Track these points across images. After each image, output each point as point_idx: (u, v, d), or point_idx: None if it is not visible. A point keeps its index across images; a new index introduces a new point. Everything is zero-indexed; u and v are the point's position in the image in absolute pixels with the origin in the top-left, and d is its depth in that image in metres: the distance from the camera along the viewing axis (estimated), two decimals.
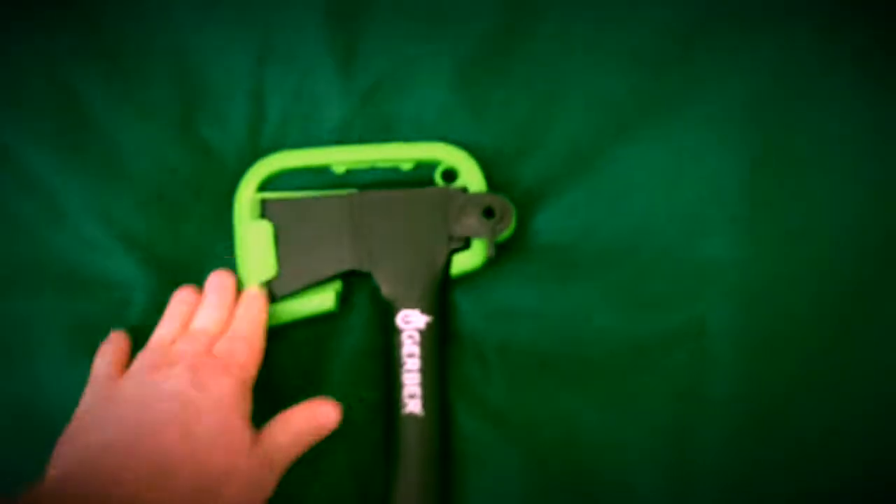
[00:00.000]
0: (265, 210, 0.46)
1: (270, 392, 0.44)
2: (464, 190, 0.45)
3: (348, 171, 0.46)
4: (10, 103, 0.48)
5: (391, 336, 0.44)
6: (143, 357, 0.41)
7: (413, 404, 0.43)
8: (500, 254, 0.45)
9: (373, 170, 0.47)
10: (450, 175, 0.47)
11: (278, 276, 0.45)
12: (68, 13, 0.50)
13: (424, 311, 0.44)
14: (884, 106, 0.47)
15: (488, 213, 0.44)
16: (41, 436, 0.41)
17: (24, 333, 0.45)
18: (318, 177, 0.47)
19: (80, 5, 0.50)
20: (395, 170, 0.47)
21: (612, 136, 0.48)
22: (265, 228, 0.45)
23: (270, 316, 0.44)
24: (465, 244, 0.45)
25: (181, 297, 0.44)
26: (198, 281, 0.45)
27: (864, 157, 0.47)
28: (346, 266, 0.45)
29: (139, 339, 0.44)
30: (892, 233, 0.45)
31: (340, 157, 0.46)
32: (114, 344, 0.43)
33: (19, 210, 0.47)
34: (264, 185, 0.46)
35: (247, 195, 0.46)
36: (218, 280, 0.44)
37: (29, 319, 0.45)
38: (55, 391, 0.44)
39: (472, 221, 0.44)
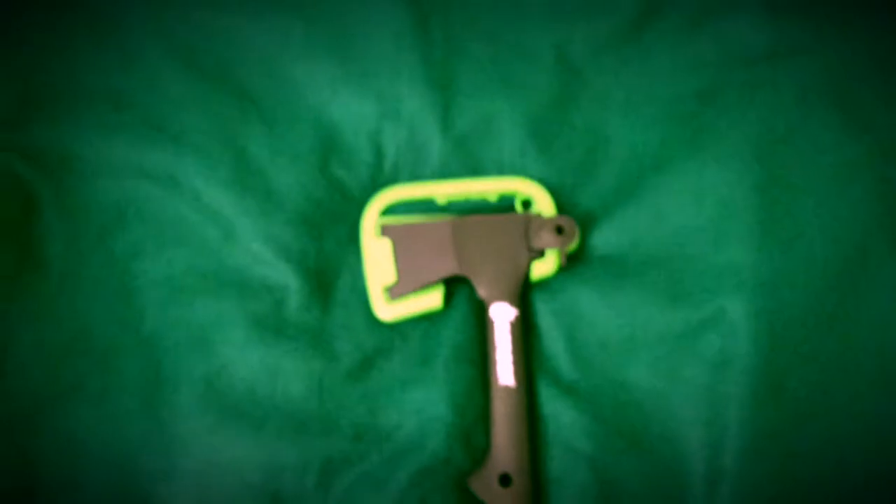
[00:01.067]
0: (385, 231, 0.57)
1: (388, 374, 0.56)
2: (539, 214, 0.58)
3: (448, 202, 0.58)
4: (187, 149, 0.59)
5: (486, 327, 0.56)
6: None
7: (506, 377, 0.55)
8: (569, 263, 0.57)
9: (466, 200, 0.58)
10: (527, 203, 0.59)
11: (397, 282, 0.57)
12: (232, 89, 0.61)
13: (512, 305, 0.56)
14: (859, 142, 0.58)
15: (559, 230, 0.56)
16: (227, 405, 0.54)
17: (207, 327, 0.56)
18: (425, 206, 0.58)
19: (241, 79, 0.61)
20: (484, 200, 0.58)
21: (650, 171, 0.59)
22: (386, 245, 0.57)
23: (392, 313, 0.56)
24: (541, 255, 0.57)
25: None
26: (336, 284, 0.57)
27: (845, 182, 0.58)
28: (450, 273, 0.56)
29: (291, 331, 0.56)
30: (868, 237, 0.56)
31: (442, 191, 0.58)
32: None
33: (203, 232, 0.58)
34: (384, 213, 0.58)
35: (371, 219, 0.58)
36: None
37: (211, 316, 0.56)
38: (238, 372, 0.55)
39: (547, 237, 0.56)
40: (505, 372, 0.55)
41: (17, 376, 0.55)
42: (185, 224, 0.58)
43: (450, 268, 0.57)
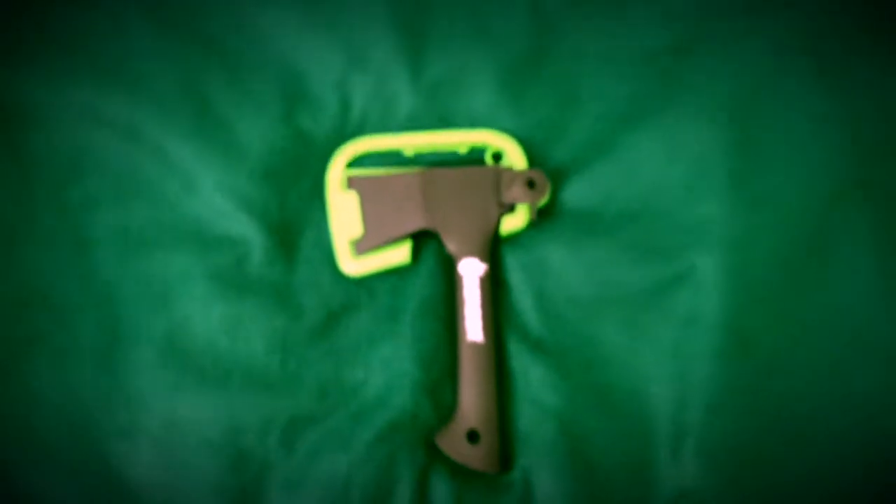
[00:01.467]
0: (351, 183, 0.56)
1: (354, 330, 0.55)
2: (510, 167, 0.57)
3: (416, 154, 0.57)
4: (147, 97, 0.58)
5: (455, 282, 0.55)
6: None
7: (474, 332, 0.54)
8: (539, 217, 0.56)
9: (435, 152, 0.57)
10: (497, 156, 0.58)
11: (363, 236, 0.56)
12: (197, 37, 0.59)
13: (482, 260, 0.55)
14: (833, 103, 0.58)
15: (530, 184, 0.55)
16: (187, 362, 0.53)
17: (167, 281, 0.55)
18: (392, 158, 0.57)
19: (205, 26, 0.59)
20: (454, 153, 0.57)
21: (621, 126, 0.59)
22: (352, 197, 0.56)
23: (358, 268, 0.55)
24: (512, 209, 0.56)
25: None
26: (300, 239, 0.56)
27: (817, 137, 0.58)
28: (418, 227, 0.56)
29: (253, 286, 0.55)
30: (839, 193, 0.56)
31: (410, 142, 0.57)
32: None
33: (162, 183, 0.57)
34: (350, 164, 0.57)
35: (336, 172, 0.57)
36: None
37: (171, 270, 0.55)
38: (197, 328, 0.54)
39: (518, 191, 0.55)
40: (473, 328, 0.54)
41: None
42: (143, 175, 0.57)
43: (418, 221, 0.56)
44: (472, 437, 0.53)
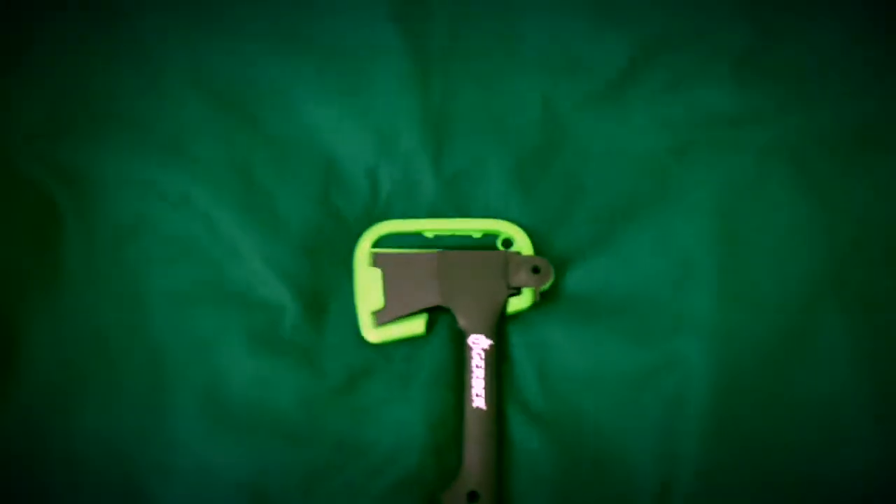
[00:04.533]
0: (376, 260, 0.62)
1: (371, 392, 0.61)
2: (518, 253, 0.63)
3: (436, 236, 0.63)
4: (200, 171, 0.64)
5: (464, 354, 0.61)
6: None
7: (479, 401, 0.59)
8: (542, 300, 0.62)
9: (452, 236, 0.63)
10: (507, 242, 0.64)
11: (384, 308, 0.62)
12: (247, 120, 0.66)
13: (488, 336, 0.61)
14: (812, 208, 0.64)
15: (535, 270, 0.61)
16: (222, 411, 0.58)
17: (208, 337, 0.61)
18: (414, 239, 0.63)
19: (254, 111, 0.66)
20: (468, 237, 0.64)
21: (621, 220, 0.64)
22: (376, 273, 0.62)
23: (378, 336, 0.61)
24: (518, 291, 0.62)
25: None
26: (329, 306, 0.62)
27: (797, 239, 0.63)
28: (433, 303, 0.61)
29: (284, 346, 0.61)
30: (816, 291, 0.62)
31: (430, 227, 0.63)
32: None
33: (209, 249, 0.63)
34: (376, 243, 0.63)
35: (364, 249, 0.63)
36: None
37: (213, 327, 0.61)
38: (233, 380, 0.60)
39: (523, 275, 0.61)
40: (478, 396, 0.60)
41: (32, 371, 0.60)
42: (193, 240, 0.63)
43: (433, 298, 0.61)
44: (473, 497, 0.58)
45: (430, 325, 0.62)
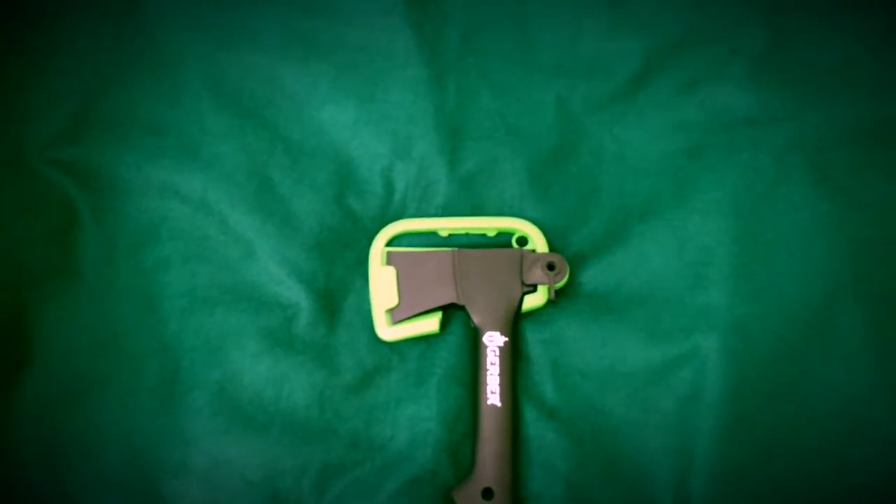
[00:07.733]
0: (390, 259, 0.63)
1: (385, 390, 0.61)
2: (533, 251, 0.63)
3: (450, 235, 0.64)
4: (217, 176, 0.65)
5: (478, 351, 0.61)
6: None
7: (494, 398, 0.59)
8: (557, 297, 0.62)
9: (467, 235, 0.64)
10: (522, 240, 0.64)
11: (398, 306, 0.62)
12: (264, 126, 0.67)
13: (503, 333, 0.61)
14: (831, 207, 0.63)
15: (550, 267, 0.61)
16: (236, 409, 0.59)
17: (223, 336, 0.62)
18: (428, 238, 0.64)
19: (272, 116, 0.67)
20: (483, 235, 0.64)
21: (636, 219, 0.65)
22: (391, 272, 0.62)
23: (392, 334, 0.61)
24: (533, 289, 0.62)
25: None
26: (342, 305, 0.63)
27: (815, 237, 0.63)
28: (448, 300, 0.61)
29: (298, 345, 0.61)
30: (834, 288, 0.61)
31: (445, 225, 0.64)
32: None
33: (225, 250, 0.64)
34: (391, 242, 0.63)
35: (378, 248, 0.63)
36: None
37: (227, 327, 0.62)
38: (247, 379, 0.61)
39: (538, 272, 0.61)
40: (492, 393, 0.60)
41: (50, 369, 0.61)
42: (210, 242, 0.64)
43: (448, 296, 0.62)
44: (487, 494, 0.57)
45: (444, 324, 0.62)
